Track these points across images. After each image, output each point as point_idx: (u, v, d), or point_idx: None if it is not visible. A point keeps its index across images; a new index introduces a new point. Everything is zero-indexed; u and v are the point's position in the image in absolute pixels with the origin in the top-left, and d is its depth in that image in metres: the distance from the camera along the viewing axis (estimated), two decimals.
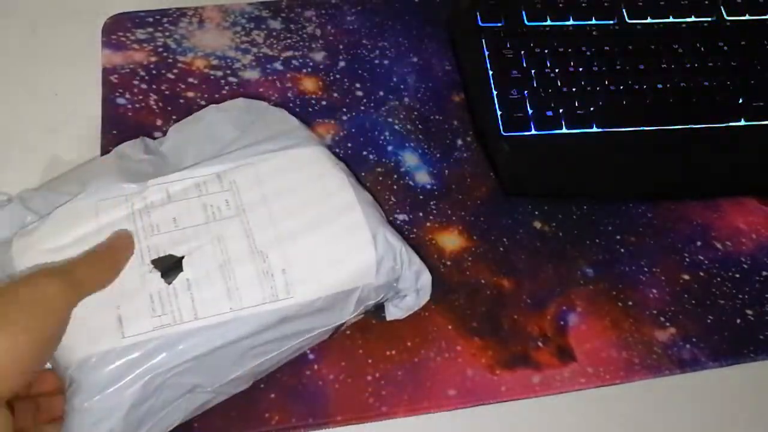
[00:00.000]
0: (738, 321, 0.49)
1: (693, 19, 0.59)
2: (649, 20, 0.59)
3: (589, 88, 0.55)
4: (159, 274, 0.39)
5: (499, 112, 0.54)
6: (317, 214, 0.42)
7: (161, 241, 0.40)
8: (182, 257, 0.40)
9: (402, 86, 0.57)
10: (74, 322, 0.37)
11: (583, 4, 0.58)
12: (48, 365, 0.38)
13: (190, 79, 0.55)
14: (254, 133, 0.46)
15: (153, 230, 0.40)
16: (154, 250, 0.40)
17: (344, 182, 0.44)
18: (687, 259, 0.51)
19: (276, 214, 0.42)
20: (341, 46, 0.58)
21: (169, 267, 0.39)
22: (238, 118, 0.47)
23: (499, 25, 0.57)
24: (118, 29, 0.57)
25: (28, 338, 0.33)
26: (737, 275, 0.51)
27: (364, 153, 0.53)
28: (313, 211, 0.42)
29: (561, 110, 0.54)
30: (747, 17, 0.60)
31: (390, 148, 0.54)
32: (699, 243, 0.52)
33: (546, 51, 0.56)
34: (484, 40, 0.57)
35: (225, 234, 0.41)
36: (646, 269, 0.51)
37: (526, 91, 0.54)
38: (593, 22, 0.58)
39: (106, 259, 0.39)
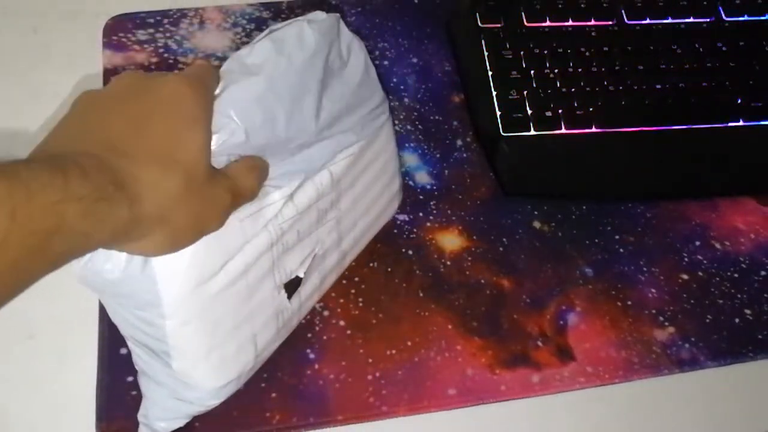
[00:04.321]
0: (737, 320, 0.49)
1: (692, 19, 0.59)
2: (648, 21, 0.59)
3: (588, 89, 0.55)
4: (285, 294, 0.41)
5: (498, 113, 0.54)
6: (377, 194, 0.47)
7: (289, 260, 0.40)
8: (301, 278, 0.42)
9: (402, 87, 0.57)
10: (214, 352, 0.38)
11: (583, 5, 0.58)
12: None
13: None
14: (346, 90, 0.40)
15: (285, 250, 0.40)
16: (284, 271, 0.40)
17: (397, 167, 0.48)
18: (686, 259, 0.52)
19: (352, 206, 0.44)
20: None
21: (293, 287, 0.41)
22: (330, 54, 0.39)
23: (499, 25, 0.57)
24: (119, 30, 0.57)
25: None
26: (736, 275, 0.51)
27: None
28: (376, 191, 0.46)
29: (560, 111, 0.54)
30: (745, 18, 0.60)
31: None
32: (698, 243, 0.52)
33: (545, 51, 0.56)
34: (483, 41, 0.57)
35: (325, 239, 0.43)
36: (645, 269, 0.51)
37: (525, 92, 0.55)
38: (592, 22, 0.58)
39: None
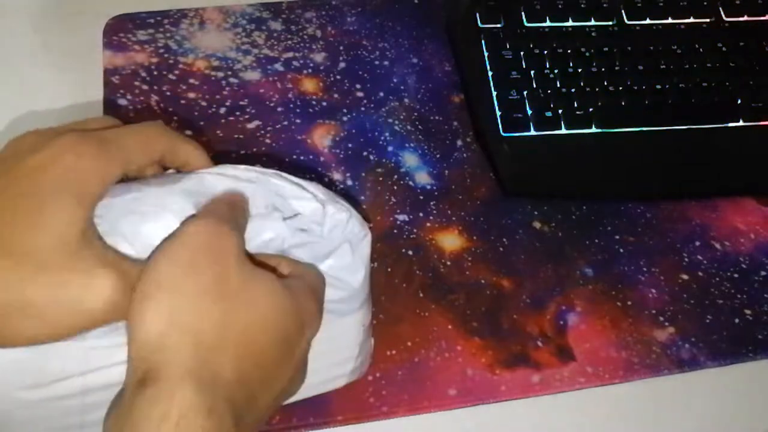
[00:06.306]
0: (736, 321, 0.49)
1: (692, 20, 0.59)
2: (648, 21, 0.59)
3: (588, 89, 0.55)
4: None
5: (498, 113, 0.54)
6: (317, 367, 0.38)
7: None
8: None
9: (402, 87, 0.57)
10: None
11: (583, 5, 0.58)
12: None
13: (191, 80, 0.55)
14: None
15: None
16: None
17: (354, 353, 0.41)
18: (686, 259, 0.52)
19: None
20: (341, 47, 0.58)
21: None
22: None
23: (499, 25, 0.57)
24: (119, 30, 0.57)
25: None
26: (736, 275, 0.51)
27: (365, 153, 0.54)
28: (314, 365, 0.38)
29: (560, 111, 0.54)
30: (745, 18, 0.60)
31: (390, 148, 0.54)
32: (698, 243, 0.52)
33: (545, 52, 0.56)
34: (483, 41, 0.57)
35: None
36: (645, 269, 0.51)
37: (525, 92, 0.55)
38: (592, 23, 0.58)
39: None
